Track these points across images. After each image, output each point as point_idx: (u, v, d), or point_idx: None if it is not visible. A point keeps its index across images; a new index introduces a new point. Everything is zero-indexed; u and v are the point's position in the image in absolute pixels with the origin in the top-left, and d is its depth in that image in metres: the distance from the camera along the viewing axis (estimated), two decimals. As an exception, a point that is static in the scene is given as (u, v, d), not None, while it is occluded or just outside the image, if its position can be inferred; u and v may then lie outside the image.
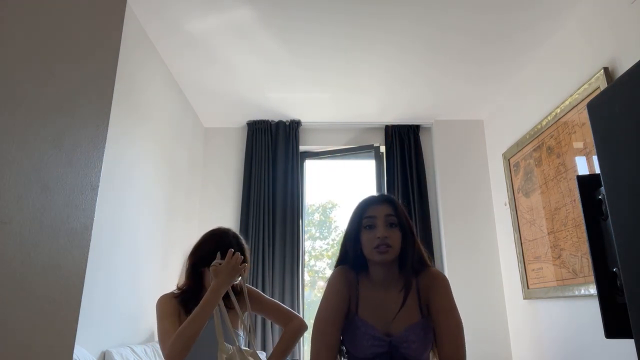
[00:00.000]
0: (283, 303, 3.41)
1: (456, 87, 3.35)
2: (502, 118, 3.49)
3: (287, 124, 3.84)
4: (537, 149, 2.92)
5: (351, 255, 1.41)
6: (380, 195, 1.44)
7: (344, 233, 1.47)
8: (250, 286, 1.73)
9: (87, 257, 0.77)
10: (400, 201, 1.66)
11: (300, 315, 1.70)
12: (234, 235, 1.67)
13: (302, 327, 1.67)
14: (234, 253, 1.53)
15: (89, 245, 0.77)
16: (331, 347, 1.32)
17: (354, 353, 1.35)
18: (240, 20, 2.57)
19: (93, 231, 0.79)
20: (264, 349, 3.31)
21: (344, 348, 1.40)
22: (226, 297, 1.58)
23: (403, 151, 3.79)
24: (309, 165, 4.03)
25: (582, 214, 1.39)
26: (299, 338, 1.67)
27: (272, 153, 3.80)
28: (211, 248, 1.59)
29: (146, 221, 2.65)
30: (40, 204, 0.63)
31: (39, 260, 0.63)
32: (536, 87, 2.98)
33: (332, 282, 1.40)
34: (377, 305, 1.37)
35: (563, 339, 2.65)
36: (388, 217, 1.36)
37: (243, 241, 1.67)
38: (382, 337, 1.31)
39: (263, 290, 3.33)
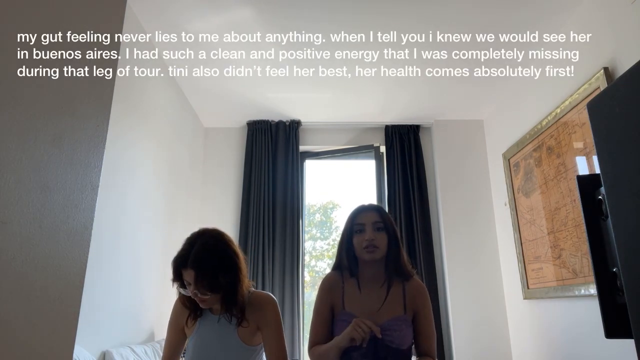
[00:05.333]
0: (283, 303, 3.42)
1: (456, 87, 3.34)
2: (502, 118, 3.49)
3: (287, 124, 3.84)
4: (537, 149, 2.92)
5: (344, 257, 1.61)
6: (370, 205, 1.65)
7: (339, 239, 1.68)
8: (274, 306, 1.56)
9: (87, 257, 0.77)
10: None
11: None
12: (199, 245, 1.51)
13: None
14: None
15: (89, 245, 0.77)
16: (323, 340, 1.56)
17: None
18: (241, 19, 2.57)
19: (93, 231, 0.79)
20: None
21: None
22: (229, 309, 1.50)
23: (403, 151, 3.79)
24: (309, 166, 4.03)
25: (582, 214, 1.39)
26: None
27: (272, 153, 3.80)
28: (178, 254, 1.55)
29: (146, 221, 2.65)
30: (40, 204, 0.63)
31: (39, 260, 0.63)
32: (536, 87, 2.98)
33: (318, 293, 1.64)
34: (363, 300, 1.56)
35: (563, 338, 2.65)
36: (375, 223, 1.57)
37: (206, 251, 1.49)
38: None
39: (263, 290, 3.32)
